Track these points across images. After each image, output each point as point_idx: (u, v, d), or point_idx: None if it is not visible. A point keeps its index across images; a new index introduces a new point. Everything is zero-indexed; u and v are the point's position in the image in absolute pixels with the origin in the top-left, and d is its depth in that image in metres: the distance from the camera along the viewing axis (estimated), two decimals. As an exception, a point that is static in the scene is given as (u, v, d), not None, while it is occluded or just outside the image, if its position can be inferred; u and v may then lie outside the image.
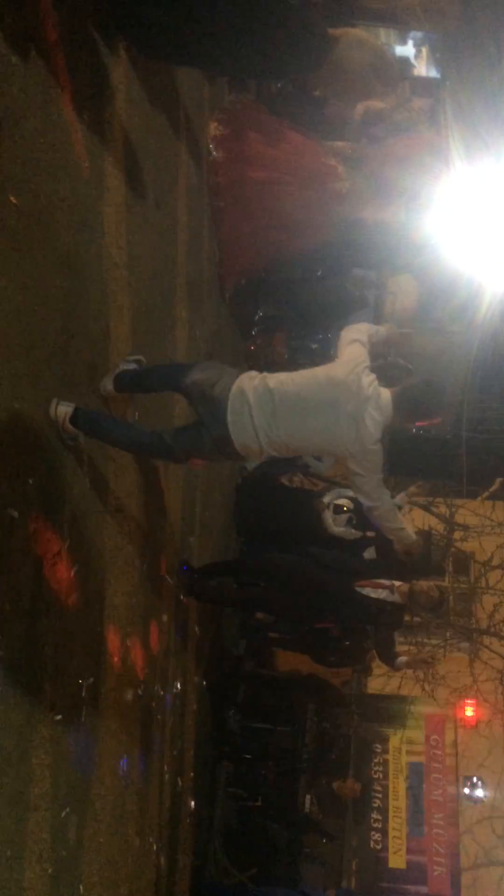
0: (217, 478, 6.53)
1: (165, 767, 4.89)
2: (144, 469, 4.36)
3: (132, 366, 3.75)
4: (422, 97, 8.33)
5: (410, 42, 10.39)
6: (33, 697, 2.92)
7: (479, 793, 10.49)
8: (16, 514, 2.76)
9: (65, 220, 3.17)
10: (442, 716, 9.43)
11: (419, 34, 9.83)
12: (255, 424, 3.39)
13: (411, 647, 9.26)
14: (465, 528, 10.26)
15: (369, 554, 6.41)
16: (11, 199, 2.70)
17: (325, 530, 6.52)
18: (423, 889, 8.36)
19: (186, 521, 5.43)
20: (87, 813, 3.49)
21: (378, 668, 9.42)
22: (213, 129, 5.69)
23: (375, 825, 8.49)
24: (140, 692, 4.29)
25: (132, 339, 4.03)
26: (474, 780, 10.59)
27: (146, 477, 4.41)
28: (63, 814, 3.19)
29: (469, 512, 10.29)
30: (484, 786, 10.56)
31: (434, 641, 10.23)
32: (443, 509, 10.28)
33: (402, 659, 5.90)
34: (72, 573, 3.29)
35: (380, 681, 9.93)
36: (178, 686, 5.24)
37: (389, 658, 5.74)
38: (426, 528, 7.59)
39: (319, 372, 3.54)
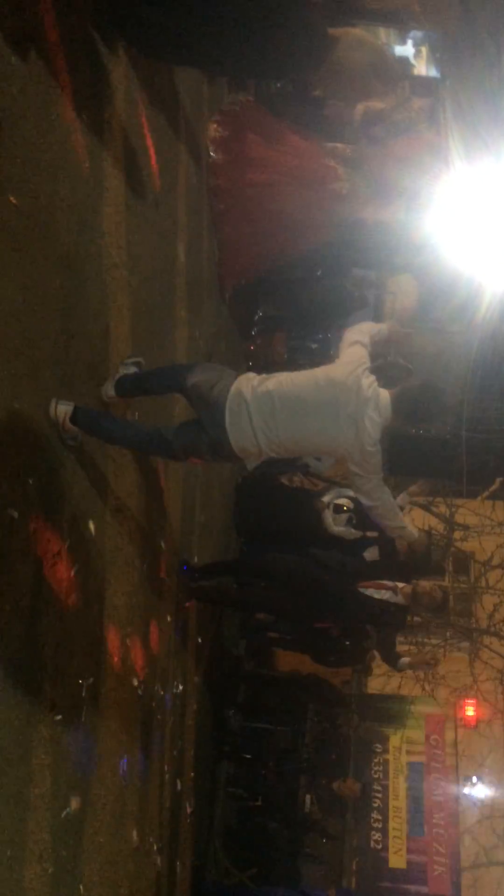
0: (217, 477, 6.53)
1: (166, 767, 4.89)
2: (144, 469, 4.36)
3: (132, 369, 3.75)
4: (421, 97, 8.33)
5: (410, 42, 10.39)
6: (33, 697, 2.92)
7: (480, 792, 10.50)
8: (16, 514, 2.76)
9: (64, 221, 3.17)
10: (442, 715, 9.42)
11: (419, 34, 9.83)
12: (254, 426, 3.39)
13: (411, 647, 9.27)
14: (465, 527, 10.28)
15: (369, 554, 6.41)
16: (11, 199, 2.70)
17: (324, 530, 6.52)
18: (424, 889, 8.37)
19: (186, 521, 5.43)
20: (87, 812, 3.49)
21: (378, 667, 9.42)
22: (213, 130, 5.70)
23: (376, 825, 8.49)
24: (140, 692, 4.29)
25: (132, 339, 4.02)
26: (474, 779, 10.60)
27: (146, 477, 4.41)
28: (63, 814, 3.19)
29: (469, 511, 10.31)
30: (484, 785, 10.58)
31: (434, 641, 10.24)
32: (443, 509, 10.29)
33: (405, 660, 5.91)
34: (72, 573, 3.29)
35: (380, 680, 9.94)
36: (178, 686, 5.24)
37: (392, 659, 5.75)
38: (426, 527, 7.59)
39: (319, 373, 3.54)
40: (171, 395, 4.41)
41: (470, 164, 6.75)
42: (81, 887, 3.38)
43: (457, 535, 10.32)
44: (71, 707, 3.29)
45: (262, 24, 3.77)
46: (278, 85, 6.98)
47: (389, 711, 9.47)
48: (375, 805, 8.61)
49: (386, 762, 8.89)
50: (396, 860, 8.39)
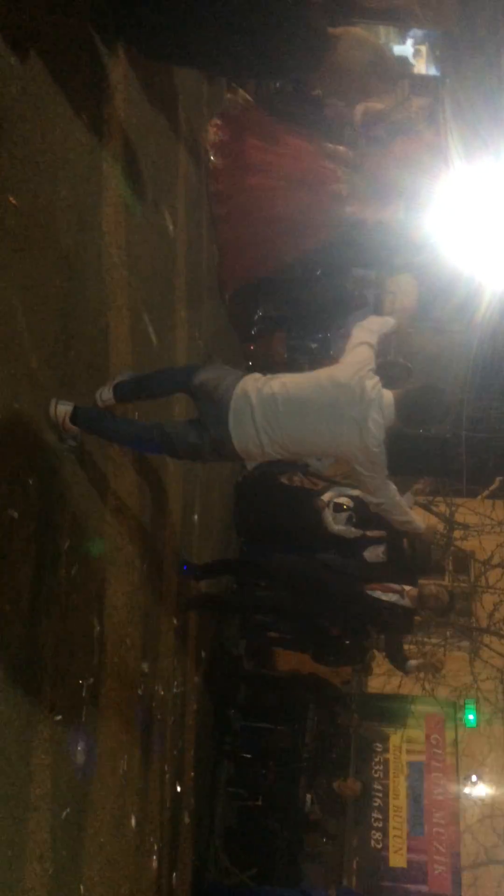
0: (217, 477, 6.53)
1: (166, 767, 4.89)
2: (144, 469, 4.36)
3: (127, 376, 3.75)
4: (421, 96, 8.32)
5: (409, 41, 10.39)
6: (33, 698, 2.92)
7: (480, 791, 10.51)
8: (16, 514, 2.76)
9: (64, 221, 3.17)
10: (442, 715, 9.43)
11: (419, 32, 9.83)
12: (258, 426, 3.39)
13: (411, 647, 9.26)
14: (466, 526, 10.27)
15: (369, 553, 6.41)
16: (11, 199, 2.70)
17: (324, 529, 6.52)
18: (424, 888, 8.36)
19: (186, 521, 5.43)
20: (88, 813, 3.49)
21: (378, 667, 9.43)
22: (212, 134, 5.70)
23: (376, 824, 8.48)
24: (140, 692, 4.29)
25: (132, 339, 4.02)
26: (474, 778, 10.60)
27: (146, 476, 4.40)
28: (63, 814, 3.19)
29: (469, 511, 10.31)
30: (485, 784, 10.58)
31: (434, 640, 10.24)
32: (443, 508, 10.29)
33: (413, 663, 5.91)
34: (72, 573, 3.29)
35: (380, 680, 9.94)
36: (178, 686, 5.24)
37: (400, 662, 5.75)
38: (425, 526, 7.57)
39: (322, 374, 3.54)
40: (171, 396, 4.42)
41: (469, 164, 6.75)
42: (82, 887, 3.38)
43: (457, 534, 10.31)
44: (71, 707, 3.29)
45: (261, 23, 3.77)
46: (278, 85, 6.98)
47: (390, 711, 9.46)
48: (376, 804, 8.60)
49: (386, 761, 8.88)
50: (397, 859, 8.38)
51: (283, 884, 6.92)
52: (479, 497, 10.40)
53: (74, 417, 3.19)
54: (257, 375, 3.52)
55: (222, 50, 3.89)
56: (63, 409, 3.14)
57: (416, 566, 6.08)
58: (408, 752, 9.02)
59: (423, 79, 9.84)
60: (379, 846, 8.39)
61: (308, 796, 7.45)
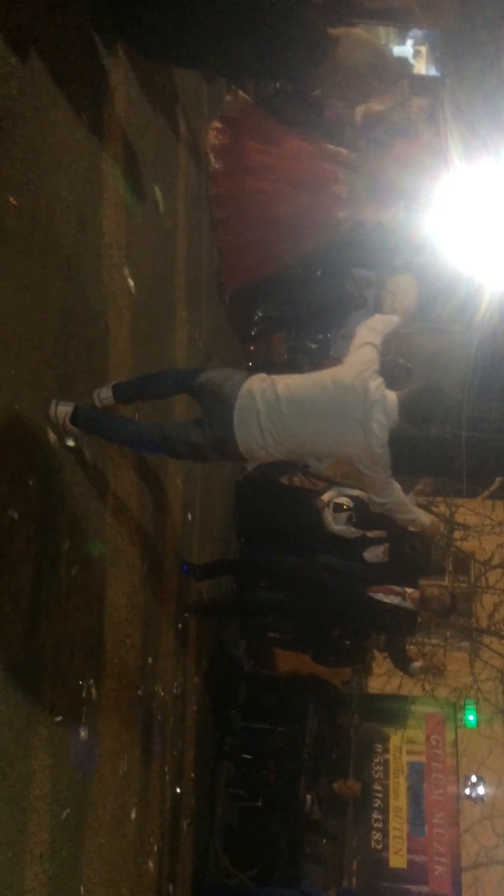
0: (217, 477, 6.53)
1: (166, 768, 4.89)
2: (144, 469, 4.36)
3: (127, 377, 3.74)
4: (421, 96, 8.32)
5: (410, 41, 10.39)
6: (33, 698, 2.92)
7: (480, 792, 10.49)
8: (16, 515, 2.76)
9: (64, 221, 3.17)
10: (442, 715, 9.42)
11: (419, 33, 9.83)
12: (262, 427, 3.39)
13: (410, 647, 9.26)
14: (466, 527, 10.27)
15: (369, 554, 6.41)
16: (11, 200, 2.70)
17: (324, 529, 6.52)
18: (424, 888, 8.35)
19: (186, 521, 5.43)
20: (88, 814, 3.49)
21: (378, 667, 9.43)
22: (213, 138, 5.70)
23: (376, 825, 8.48)
24: (140, 693, 4.29)
25: (131, 339, 4.02)
26: (474, 779, 10.59)
27: (146, 477, 4.40)
28: (63, 815, 3.19)
29: (469, 511, 10.30)
30: (485, 785, 10.57)
31: (434, 641, 10.24)
32: (443, 508, 10.28)
33: (417, 664, 5.91)
34: (72, 574, 3.29)
35: (380, 680, 9.94)
36: (178, 686, 5.24)
37: (404, 664, 5.75)
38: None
39: (326, 376, 3.54)
40: (171, 398, 4.42)
41: (469, 164, 6.75)
42: (82, 888, 3.38)
43: (457, 534, 10.31)
44: (71, 708, 3.29)
45: (261, 24, 3.77)
46: (277, 85, 6.97)
47: (390, 711, 9.46)
48: (376, 805, 8.59)
49: (386, 762, 8.87)
50: (397, 860, 8.37)
51: (284, 884, 6.92)
52: (480, 497, 10.40)
53: (74, 418, 3.19)
54: (263, 376, 3.52)
55: (222, 50, 3.89)
56: (63, 410, 3.14)
57: (416, 566, 6.08)
58: (408, 752, 9.01)
59: (423, 79, 9.85)
60: (379, 847, 8.38)
61: (308, 797, 7.45)
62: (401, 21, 7.13)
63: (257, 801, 7.29)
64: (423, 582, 5.91)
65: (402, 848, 8.44)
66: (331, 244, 6.33)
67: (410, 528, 4.27)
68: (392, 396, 3.49)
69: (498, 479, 10.35)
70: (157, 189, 4.43)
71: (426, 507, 9.85)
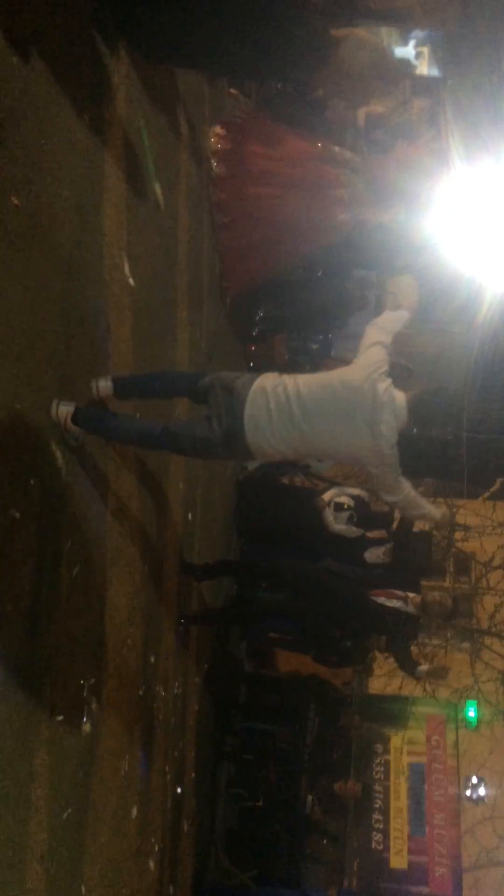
0: (218, 477, 6.53)
1: (167, 768, 4.89)
2: (145, 469, 4.36)
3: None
4: (422, 97, 8.33)
5: (412, 42, 10.39)
6: (35, 698, 2.92)
7: (481, 793, 10.49)
8: (17, 514, 2.76)
9: (66, 221, 3.17)
10: (443, 716, 9.42)
11: (421, 34, 9.83)
12: (273, 424, 3.40)
13: (412, 648, 9.25)
14: (466, 528, 10.26)
15: (370, 555, 6.42)
16: (13, 199, 2.70)
17: (325, 528, 6.53)
18: (425, 889, 8.34)
19: (187, 521, 5.43)
20: (89, 813, 3.49)
21: (379, 668, 9.43)
22: (215, 143, 5.71)
23: (377, 826, 8.47)
24: (141, 693, 4.29)
25: (133, 339, 4.02)
26: (475, 780, 10.59)
27: (147, 477, 4.41)
28: (65, 814, 3.19)
29: (470, 512, 10.29)
30: (485, 786, 10.57)
31: (435, 642, 10.23)
32: (443, 509, 10.26)
33: (423, 668, 5.91)
34: (73, 574, 3.29)
35: (381, 681, 9.93)
36: (179, 687, 5.24)
37: (410, 668, 5.75)
38: (426, 528, 7.59)
39: (335, 377, 3.54)
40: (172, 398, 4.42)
41: (470, 164, 6.76)
42: (83, 888, 3.38)
43: (458, 535, 10.30)
44: (72, 708, 3.29)
45: (262, 25, 3.77)
46: (279, 86, 6.98)
47: (390, 712, 9.45)
48: (377, 806, 8.59)
49: (387, 763, 8.87)
50: (398, 861, 8.37)
51: (284, 885, 6.92)
52: (480, 498, 10.39)
53: (76, 418, 3.19)
54: (274, 374, 3.53)
55: (224, 51, 3.90)
56: (64, 410, 3.14)
57: (417, 567, 6.08)
58: (409, 753, 9.00)
59: (425, 80, 9.85)
60: (380, 847, 8.38)
61: (309, 797, 7.45)
62: (402, 22, 7.12)
63: (258, 801, 7.29)
64: (424, 582, 5.91)
65: (402, 849, 8.43)
66: (332, 245, 6.34)
67: (424, 522, 4.27)
68: (401, 397, 3.50)
69: (499, 480, 10.33)
70: (157, 188, 4.43)
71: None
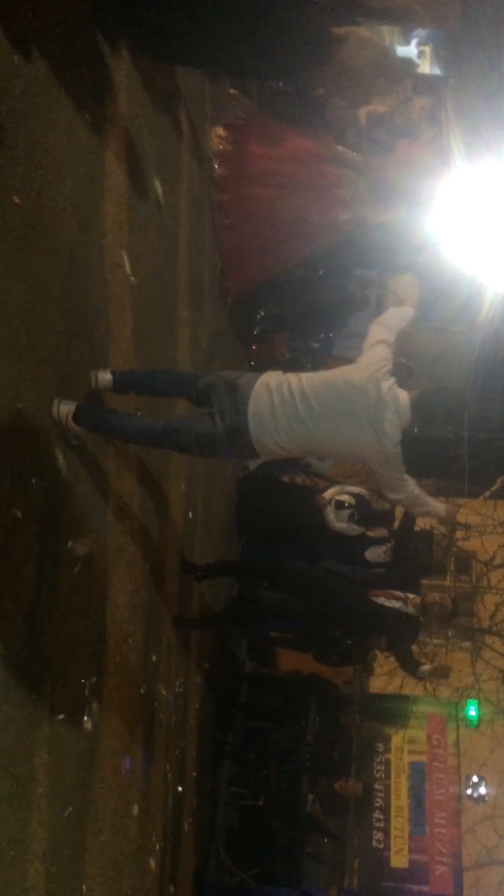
0: (219, 476, 6.53)
1: (168, 767, 4.89)
2: (146, 468, 4.36)
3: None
4: (423, 95, 8.33)
5: (414, 42, 10.39)
6: (36, 697, 2.92)
7: (482, 792, 10.50)
8: (19, 514, 2.76)
9: (67, 220, 3.17)
10: (444, 715, 9.41)
11: (423, 32, 9.83)
12: (277, 420, 3.41)
13: (413, 647, 9.25)
14: (467, 527, 10.26)
15: (371, 554, 6.41)
16: (14, 199, 2.70)
17: (326, 527, 6.52)
18: (426, 888, 8.33)
19: (188, 520, 5.43)
20: (90, 812, 3.49)
21: (380, 667, 9.42)
22: (216, 144, 5.71)
23: (377, 824, 8.46)
24: (142, 692, 4.29)
25: (134, 338, 4.02)
26: (476, 779, 10.59)
27: (148, 476, 4.41)
28: (66, 813, 3.19)
29: (471, 511, 10.28)
30: (486, 785, 10.57)
31: (436, 641, 10.23)
32: (448, 505, 10.25)
33: (426, 667, 5.90)
34: (74, 572, 3.29)
35: (381, 680, 9.93)
36: (181, 685, 5.24)
37: (413, 668, 5.75)
38: (428, 527, 7.59)
39: (338, 375, 3.54)
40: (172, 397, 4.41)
41: (471, 163, 6.76)
42: (84, 887, 3.38)
43: (458, 534, 10.30)
44: (73, 706, 3.30)
45: (263, 23, 3.77)
46: (280, 85, 6.98)
47: (391, 711, 9.44)
48: (377, 805, 8.57)
49: (388, 762, 8.85)
50: (398, 860, 8.36)
51: (285, 884, 6.92)
52: (481, 497, 10.38)
53: (77, 417, 3.19)
54: (277, 373, 3.54)
55: (225, 50, 3.89)
56: (66, 409, 3.14)
57: (418, 566, 6.08)
58: (409, 752, 8.99)
59: (426, 78, 9.84)
60: (380, 846, 8.36)
61: (310, 796, 7.45)
62: (403, 20, 7.12)
63: (259, 800, 7.29)
64: (425, 581, 5.91)
65: (403, 848, 8.42)
66: (333, 244, 6.34)
67: (429, 518, 4.28)
68: (404, 396, 3.50)
69: (500, 479, 10.33)
70: (158, 186, 4.43)
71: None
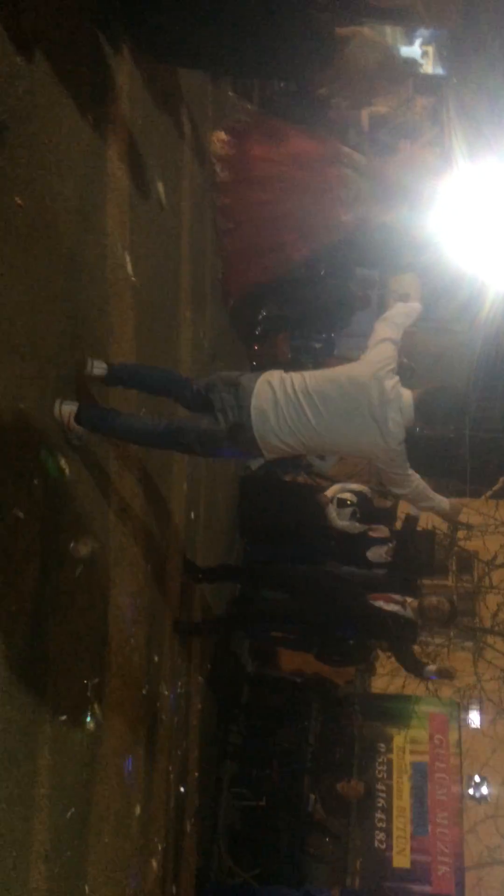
0: (220, 477, 6.53)
1: (170, 767, 4.89)
2: (148, 468, 4.36)
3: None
4: (425, 95, 8.31)
5: (417, 42, 10.37)
6: (38, 697, 2.92)
7: (484, 792, 10.49)
8: (21, 514, 2.76)
9: (69, 221, 3.17)
10: (445, 715, 9.41)
11: (426, 32, 9.81)
12: (280, 417, 3.41)
13: (414, 647, 9.24)
14: (469, 527, 10.25)
15: (372, 553, 6.41)
16: (17, 199, 2.70)
17: (328, 525, 6.52)
18: (427, 888, 8.33)
19: (190, 521, 5.43)
20: (92, 813, 3.49)
21: (382, 667, 9.42)
22: (219, 148, 5.70)
23: (379, 825, 8.46)
24: (144, 692, 4.29)
25: (136, 338, 4.02)
26: (478, 779, 10.59)
27: (150, 476, 4.40)
28: (68, 814, 3.19)
29: (473, 511, 10.28)
30: (488, 785, 10.57)
31: (437, 640, 10.22)
32: (453, 500, 10.23)
33: (431, 668, 5.89)
34: (76, 573, 3.29)
35: (383, 680, 9.93)
36: (182, 686, 5.24)
37: (417, 669, 5.74)
38: (429, 527, 7.59)
39: (342, 373, 3.54)
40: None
41: (473, 163, 6.74)
42: (86, 887, 3.38)
43: (460, 534, 10.29)
44: (75, 707, 3.30)
45: (265, 23, 3.77)
46: (282, 84, 6.98)
47: (393, 711, 9.43)
48: (379, 805, 8.57)
49: (390, 762, 8.85)
50: (400, 860, 8.35)
51: (287, 884, 6.91)
52: (483, 497, 10.37)
53: (79, 417, 3.19)
54: (279, 371, 3.55)
55: (227, 50, 3.89)
56: (68, 409, 3.14)
57: (420, 566, 6.07)
58: (411, 752, 8.99)
59: (428, 78, 9.82)
60: (383, 846, 8.36)
61: (312, 796, 7.44)
62: (406, 20, 7.11)
63: (261, 800, 7.28)
64: (427, 581, 5.90)
65: (405, 848, 8.42)
66: (335, 244, 6.34)
67: (434, 513, 4.29)
68: (407, 395, 3.50)
69: (501, 479, 10.32)
70: (160, 187, 4.43)
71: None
